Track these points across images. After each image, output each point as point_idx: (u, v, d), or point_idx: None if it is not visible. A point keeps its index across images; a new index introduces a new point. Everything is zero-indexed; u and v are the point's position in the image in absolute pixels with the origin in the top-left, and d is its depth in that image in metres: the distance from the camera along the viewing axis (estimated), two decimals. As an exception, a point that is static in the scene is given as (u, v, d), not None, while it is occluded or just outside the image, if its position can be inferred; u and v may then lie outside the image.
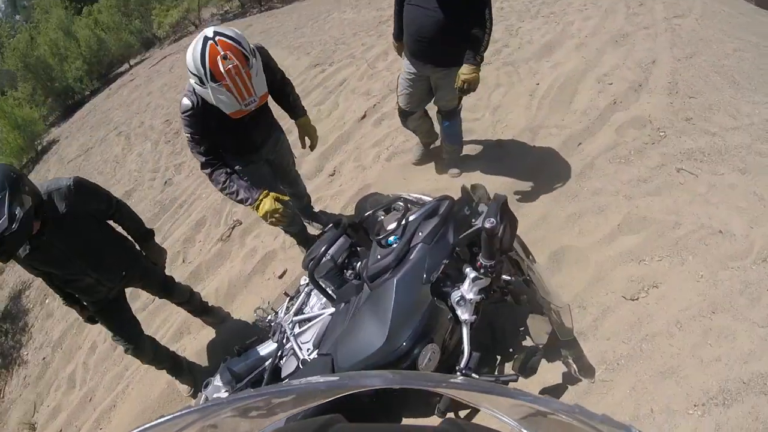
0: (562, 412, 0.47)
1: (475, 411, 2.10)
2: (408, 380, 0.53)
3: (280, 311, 2.44)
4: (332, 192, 3.80)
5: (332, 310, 2.15)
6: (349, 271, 2.15)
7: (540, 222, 2.81)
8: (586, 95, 3.63)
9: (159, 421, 0.50)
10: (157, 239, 4.04)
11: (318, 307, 2.28)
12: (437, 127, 3.26)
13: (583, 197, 2.89)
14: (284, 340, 2.19)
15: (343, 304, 2.06)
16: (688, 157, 3.00)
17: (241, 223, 3.88)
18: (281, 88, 2.47)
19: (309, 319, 2.22)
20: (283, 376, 2.09)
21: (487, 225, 1.63)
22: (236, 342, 2.67)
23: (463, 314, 1.81)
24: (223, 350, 2.76)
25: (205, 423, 0.51)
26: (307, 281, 2.37)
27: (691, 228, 2.58)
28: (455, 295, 1.83)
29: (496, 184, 3.15)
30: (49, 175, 6.72)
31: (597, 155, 3.12)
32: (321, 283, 2.16)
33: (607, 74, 3.81)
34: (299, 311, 2.35)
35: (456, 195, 3.03)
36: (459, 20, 2.43)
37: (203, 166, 2.28)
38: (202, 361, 2.90)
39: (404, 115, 3.13)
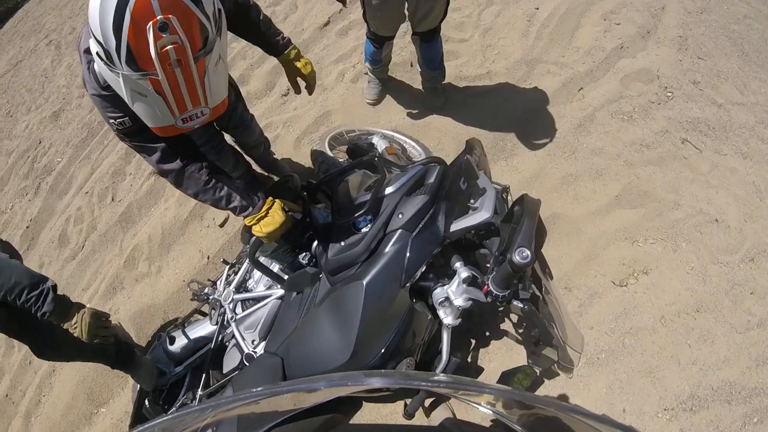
0: (562, 412, 0.47)
1: (432, 407, 1.79)
2: (409, 380, 0.52)
3: (219, 283, 2.05)
4: (285, 117, 3.10)
5: (281, 292, 1.77)
6: (303, 253, 1.75)
7: (532, 180, 2.39)
8: (590, 32, 3.11)
9: (158, 421, 0.52)
10: (85, 170, 3.48)
11: (264, 284, 1.92)
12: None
13: (581, 156, 2.48)
14: (224, 322, 1.86)
15: (294, 294, 1.68)
16: (693, 128, 2.67)
17: None
18: (248, 18, 1.64)
19: (253, 300, 1.86)
20: (225, 371, 1.84)
21: (518, 259, 1.16)
22: (173, 307, 2.51)
23: (446, 317, 1.40)
24: (161, 315, 2.52)
25: (204, 423, 0.51)
26: None
27: (690, 212, 2.34)
28: (438, 294, 1.40)
29: (484, 125, 2.67)
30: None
31: (599, 106, 2.68)
32: (265, 263, 1.80)
33: (614, 12, 3.29)
34: (241, 286, 1.96)
35: (440, 137, 2.50)
36: None
37: (162, 161, 1.45)
38: (137, 326, 2.51)
39: (379, 42, 2.53)
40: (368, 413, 1.96)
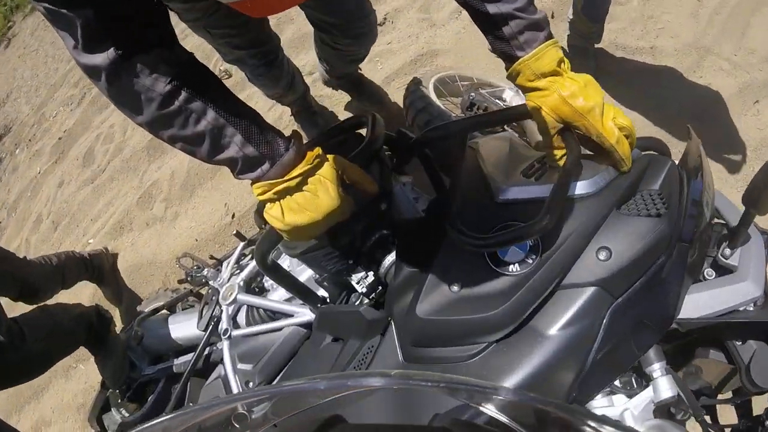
0: (562, 411, 0.46)
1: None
2: (410, 380, 0.51)
3: (224, 266, 1.46)
4: (374, 51, 2.46)
5: (309, 316, 1.08)
6: (360, 272, 0.94)
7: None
8: (765, 34, 2.65)
9: (156, 421, 0.51)
10: None
11: (286, 295, 1.24)
12: None
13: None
14: (215, 333, 1.26)
15: (329, 338, 0.94)
16: None
17: (230, 76, 2.78)
18: None
19: (266, 313, 1.22)
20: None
21: None
22: (177, 270, 1.87)
23: None
24: (161, 276, 2.15)
25: (203, 423, 0.51)
26: None
27: None
28: (601, 404, 0.74)
29: (642, 112, 2.25)
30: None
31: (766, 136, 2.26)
32: (290, 269, 1.14)
33: (786, 18, 2.83)
34: (254, 282, 1.33)
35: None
36: None
37: (86, 42, 0.68)
38: (132, 284, 2.19)
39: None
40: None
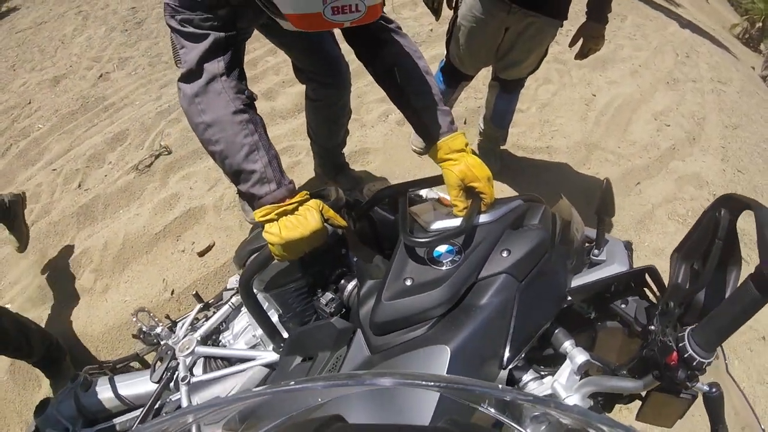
0: (561, 412, 0.48)
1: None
2: (410, 380, 0.53)
3: (179, 326, 1.49)
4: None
5: (272, 357, 1.16)
6: (326, 294, 1.11)
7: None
8: (644, 128, 3.30)
9: (155, 422, 0.52)
10: (62, 145, 3.12)
11: (246, 342, 1.30)
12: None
13: (643, 255, 2.53)
14: (172, 383, 1.24)
15: (298, 360, 1.04)
16: (741, 233, 2.78)
17: (170, 153, 2.88)
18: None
19: (224, 360, 1.26)
20: None
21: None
22: (109, 345, 2.01)
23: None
24: (92, 350, 2.02)
25: (201, 424, 0.52)
26: (236, 290, 1.42)
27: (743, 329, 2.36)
28: (533, 388, 0.93)
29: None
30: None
31: (657, 204, 2.78)
32: (260, 300, 1.15)
33: (663, 113, 3.52)
34: (211, 337, 1.38)
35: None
36: None
37: (205, 57, 1.13)
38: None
39: (456, 78, 2.37)
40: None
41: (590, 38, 2.07)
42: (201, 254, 2.27)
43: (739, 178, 3.23)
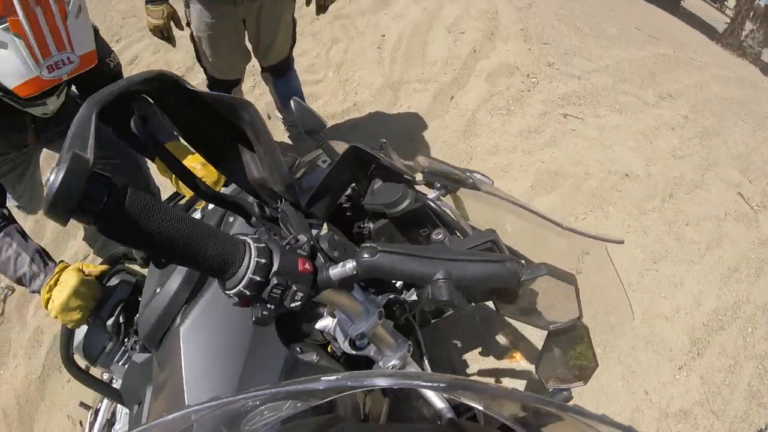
0: (561, 412, 0.48)
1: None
2: (410, 380, 0.53)
3: None
4: None
5: None
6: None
7: (442, 194, 2.26)
8: (441, 45, 3.24)
9: (156, 422, 0.52)
10: None
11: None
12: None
13: (480, 158, 2.47)
14: None
15: (135, 407, 1.05)
16: (567, 102, 2.83)
17: (13, 291, 2.60)
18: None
19: None
20: None
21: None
22: None
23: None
24: None
25: (201, 423, 0.52)
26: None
27: (601, 176, 2.43)
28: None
29: None
30: None
31: (476, 108, 2.73)
32: (98, 373, 1.22)
33: (455, 24, 3.50)
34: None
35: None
36: None
37: None
38: None
39: (227, 88, 2.23)
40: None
41: None
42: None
43: (547, 49, 3.27)
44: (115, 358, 1.16)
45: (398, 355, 0.72)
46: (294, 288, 0.55)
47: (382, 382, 0.52)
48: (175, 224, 0.50)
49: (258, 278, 0.52)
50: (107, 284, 1.19)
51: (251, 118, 0.70)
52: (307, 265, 0.55)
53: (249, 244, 0.54)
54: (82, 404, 1.59)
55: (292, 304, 0.55)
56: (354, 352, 0.71)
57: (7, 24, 1.05)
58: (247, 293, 0.53)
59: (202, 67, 2.14)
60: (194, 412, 0.52)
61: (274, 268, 0.53)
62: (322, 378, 0.53)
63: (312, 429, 0.53)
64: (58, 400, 2.19)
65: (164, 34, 1.95)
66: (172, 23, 1.95)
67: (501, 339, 1.92)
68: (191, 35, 2.02)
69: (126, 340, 1.16)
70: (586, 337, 0.85)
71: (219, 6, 1.87)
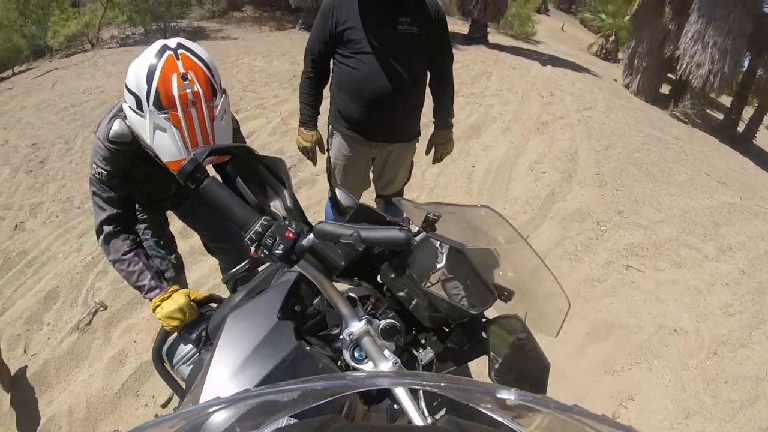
0: (561, 412, 0.48)
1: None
2: (411, 380, 0.54)
3: None
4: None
5: None
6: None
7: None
8: (522, 183, 3.78)
9: (156, 421, 0.53)
10: None
11: None
12: None
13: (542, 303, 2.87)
14: None
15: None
16: (631, 253, 3.21)
17: (105, 308, 2.98)
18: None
19: None
20: None
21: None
22: None
23: None
24: None
25: (201, 423, 0.53)
26: None
27: (651, 330, 2.74)
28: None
29: None
30: None
31: (548, 251, 3.18)
32: (178, 374, 1.48)
33: (538, 162, 4.03)
34: None
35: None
36: (419, 81, 2.22)
37: (105, 222, 1.68)
38: None
39: (343, 213, 2.78)
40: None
41: (440, 144, 2.42)
42: (164, 406, 2.44)
43: (618, 196, 3.71)
44: (188, 363, 1.44)
45: (387, 369, 0.86)
46: (279, 242, 0.88)
47: (382, 383, 0.54)
48: (227, 196, 0.94)
49: (259, 230, 0.90)
50: (202, 311, 1.52)
51: (285, 170, 1.10)
52: (290, 234, 0.89)
53: (259, 216, 0.94)
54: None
55: (276, 251, 0.88)
56: (354, 364, 0.89)
57: (169, 115, 1.36)
58: (254, 238, 0.89)
59: (330, 185, 2.61)
60: (198, 410, 0.55)
61: (270, 230, 0.91)
62: (322, 378, 0.55)
63: (312, 429, 0.53)
64: (127, 419, 2.41)
65: (309, 154, 2.46)
66: (317, 147, 2.41)
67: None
68: (328, 158, 2.48)
69: (202, 350, 1.45)
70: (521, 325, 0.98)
71: (357, 146, 2.32)
